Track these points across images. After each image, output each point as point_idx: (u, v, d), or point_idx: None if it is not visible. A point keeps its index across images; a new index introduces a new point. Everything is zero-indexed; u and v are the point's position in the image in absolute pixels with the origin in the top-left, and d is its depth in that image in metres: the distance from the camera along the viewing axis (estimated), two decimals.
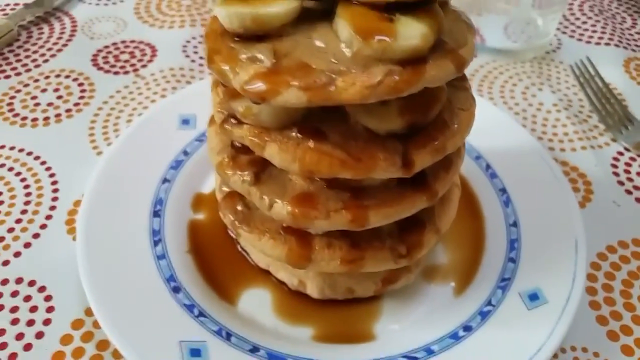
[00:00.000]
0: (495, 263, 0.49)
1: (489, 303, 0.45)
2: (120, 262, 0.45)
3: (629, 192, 0.59)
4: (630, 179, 0.61)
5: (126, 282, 0.44)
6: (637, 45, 0.81)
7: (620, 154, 0.63)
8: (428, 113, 0.36)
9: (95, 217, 0.47)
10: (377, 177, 0.36)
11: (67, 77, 0.69)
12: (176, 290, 0.44)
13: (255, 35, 0.34)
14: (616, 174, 0.61)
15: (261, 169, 0.39)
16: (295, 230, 0.40)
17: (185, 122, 0.58)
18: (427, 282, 0.48)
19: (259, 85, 0.32)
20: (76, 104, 0.65)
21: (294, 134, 0.36)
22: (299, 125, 0.36)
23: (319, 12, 0.35)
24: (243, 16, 0.33)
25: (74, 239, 0.51)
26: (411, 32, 0.32)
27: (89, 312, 0.45)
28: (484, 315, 0.45)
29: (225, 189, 0.45)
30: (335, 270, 0.41)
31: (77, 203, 0.54)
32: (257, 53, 0.33)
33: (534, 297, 0.45)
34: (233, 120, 0.38)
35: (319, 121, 0.36)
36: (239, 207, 0.43)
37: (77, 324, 0.45)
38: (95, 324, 0.44)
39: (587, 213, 0.56)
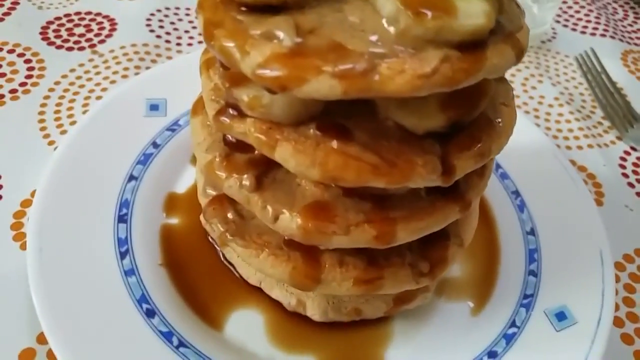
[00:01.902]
0: (514, 276, 0.44)
1: (513, 324, 0.40)
2: (80, 280, 0.37)
3: (639, 194, 0.55)
4: (639, 181, 0.56)
5: (88, 304, 0.36)
6: (631, 38, 0.77)
7: (627, 153, 0.59)
8: (474, 108, 0.30)
9: (49, 224, 0.39)
10: (414, 185, 0.29)
11: (10, 51, 0.59)
12: (150, 314, 0.37)
13: (268, 4, 0.26)
14: (625, 175, 0.57)
15: (263, 171, 0.32)
16: (300, 244, 0.33)
17: (154, 107, 0.50)
18: (440, 298, 0.42)
19: (279, 71, 0.25)
20: (22, 84, 0.56)
21: (312, 131, 0.29)
22: (318, 120, 0.29)
23: None
24: None
25: (21, 247, 0.42)
26: (472, 8, 0.25)
27: (41, 339, 0.37)
28: (508, 338, 0.39)
29: (211, 192, 0.38)
30: (348, 293, 0.34)
31: (25, 203, 0.45)
32: (275, 28, 0.26)
33: (561, 316, 0.40)
34: (232, 112, 0.30)
35: (342, 116, 0.29)
36: (230, 216, 0.35)
37: (27, 355, 0.37)
38: (50, 355, 0.36)
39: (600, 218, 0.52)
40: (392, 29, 0.25)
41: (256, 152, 0.32)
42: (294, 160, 0.28)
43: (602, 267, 0.43)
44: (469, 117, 0.30)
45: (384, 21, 0.26)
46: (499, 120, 0.32)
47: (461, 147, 0.30)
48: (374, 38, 0.25)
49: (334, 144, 0.28)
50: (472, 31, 0.25)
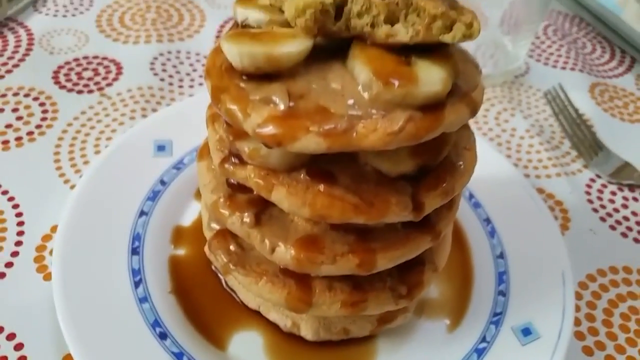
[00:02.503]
0: (485, 296, 0.49)
1: (484, 339, 0.45)
2: (101, 306, 0.42)
3: (603, 219, 0.61)
4: (603, 206, 0.62)
5: (109, 328, 0.41)
6: (598, 71, 0.83)
7: (593, 180, 0.65)
8: (438, 155, 0.36)
9: (71, 257, 0.44)
10: (389, 221, 0.35)
11: (26, 95, 0.64)
12: (162, 336, 0.42)
13: (265, 74, 0.32)
14: (590, 201, 0.62)
15: (261, 209, 0.37)
16: (294, 272, 0.38)
17: (161, 148, 0.55)
18: (420, 317, 0.47)
19: (274, 130, 0.30)
20: (38, 126, 0.61)
21: (302, 176, 0.34)
22: (307, 167, 0.34)
23: (328, 49, 0.34)
24: (255, 56, 0.31)
25: (44, 278, 0.47)
26: (432, 77, 0.31)
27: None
28: (479, 352, 0.44)
29: (215, 226, 0.43)
30: (336, 314, 0.39)
31: (45, 237, 0.50)
32: (271, 94, 0.31)
33: (526, 331, 0.45)
34: (234, 160, 0.36)
35: (327, 162, 0.34)
36: (232, 248, 0.41)
37: None
38: None
39: (566, 242, 0.56)
40: (366, 95, 0.31)
41: (255, 192, 0.37)
42: (288, 201, 0.34)
43: (564, 287, 0.48)
44: (435, 161, 0.36)
45: (359, 88, 0.31)
46: (461, 163, 0.37)
47: (429, 187, 0.35)
48: (351, 102, 0.31)
49: (321, 187, 0.34)
50: (431, 96, 0.31)
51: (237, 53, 0.31)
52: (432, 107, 0.31)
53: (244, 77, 0.32)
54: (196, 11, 0.82)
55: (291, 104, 0.31)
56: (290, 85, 0.32)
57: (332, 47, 0.34)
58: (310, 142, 0.30)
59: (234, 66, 0.32)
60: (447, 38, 0.30)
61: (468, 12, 0.31)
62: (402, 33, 0.31)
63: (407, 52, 0.32)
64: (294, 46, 0.31)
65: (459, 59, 0.36)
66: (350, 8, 0.31)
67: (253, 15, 0.35)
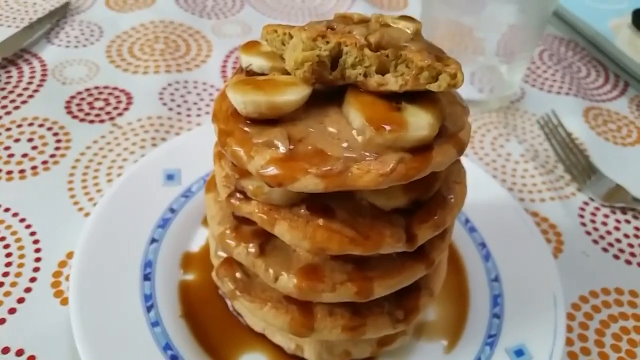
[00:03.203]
0: (480, 318, 0.51)
1: None
2: (115, 330, 0.45)
3: (595, 241, 0.63)
4: (596, 229, 0.64)
5: (123, 351, 0.43)
6: (592, 95, 0.86)
7: (586, 203, 0.67)
8: (429, 190, 0.38)
9: (87, 284, 0.47)
10: (384, 252, 0.37)
11: (40, 125, 0.67)
12: (174, 359, 0.44)
13: (267, 119, 0.35)
14: (583, 224, 0.65)
15: (265, 240, 0.40)
16: (297, 299, 0.41)
17: (170, 177, 0.58)
18: (419, 339, 0.50)
19: (276, 171, 0.33)
20: (52, 155, 0.64)
21: (302, 211, 0.37)
22: (307, 202, 0.37)
23: (326, 94, 0.36)
24: (258, 103, 0.34)
25: (62, 302, 0.50)
26: (420, 122, 0.33)
27: None
28: None
29: (222, 254, 0.46)
30: (337, 338, 0.41)
31: (61, 264, 0.53)
32: (273, 138, 0.34)
33: (519, 352, 0.48)
34: (240, 195, 0.39)
35: (326, 198, 0.37)
36: (238, 275, 0.43)
37: None
38: None
39: (560, 264, 0.59)
40: (360, 138, 0.34)
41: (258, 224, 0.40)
42: (289, 234, 0.37)
43: (555, 309, 0.50)
44: (426, 196, 0.38)
45: (354, 132, 0.34)
46: (452, 196, 0.40)
47: (421, 220, 0.38)
48: (346, 145, 0.34)
49: (320, 221, 0.36)
50: (420, 139, 0.33)
51: (241, 101, 0.34)
52: (421, 149, 0.34)
53: (248, 122, 0.35)
54: (203, 41, 0.85)
55: (291, 147, 0.34)
56: (290, 129, 0.34)
57: (329, 92, 0.36)
58: (309, 182, 0.33)
59: (239, 111, 0.35)
60: (433, 87, 0.33)
61: (453, 63, 0.33)
62: (392, 82, 0.34)
63: (397, 98, 0.35)
64: (294, 94, 0.34)
65: (447, 101, 0.38)
66: (345, 60, 0.34)
67: (256, 62, 0.38)
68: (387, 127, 0.33)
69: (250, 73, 0.39)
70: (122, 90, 0.74)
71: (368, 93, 0.35)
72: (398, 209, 0.38)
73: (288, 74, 0.36)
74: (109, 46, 0.82)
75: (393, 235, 0.37)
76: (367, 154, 0.33)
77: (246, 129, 0.35)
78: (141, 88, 0.75)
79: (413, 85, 0.33)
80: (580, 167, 0.71)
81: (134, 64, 0.79)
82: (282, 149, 0.34)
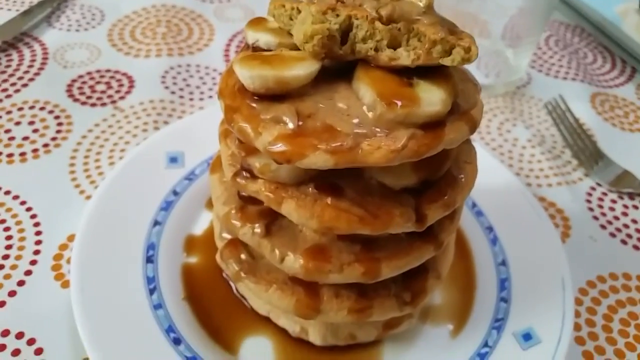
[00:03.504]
0: (487, 302, 0.50)
1: (486, 344, 0.47)
2: (117, 313, 0.44)
3: (603, 227, 0.62)
4: (603, 214, 0.64)
5: (125, 334, 0.43)
6: (599, 81, 0.85)
7: (593, 189, 0.67)
8: (440, 169, 0.37)
9: (89, 266, 0.46)
10: (393, 232, 0.36)
11: (42, 108, 0.67)
12: (177, 341, 0.43)
13: (275, 94, 0.34)
14: (591, 209, 0.64)
15: (271, 220, 0.39)
16: (303, 280, 0.40)
17: (173, 160, 0.57)
18: (425, 323, 0.49)
19: (284, 147, 0.32)
20: (53, 138, 0.63)
21: (310, 189, 0.36)
22: (315, 181, 0.36)
23: (335, 70, 0.36)
24: (266, 78, 0.33)
25: (62, 285, 0.49)
26: (432, 98, 0.33)
27: None
28: (482, 357, 0.46)
29: (226, 236, 0.45)
30: (343, 320, 0.41)
31: (62, 247, 0.52)
32: (281, 114, 0.33)
33: (527, 337, 0.47)
34: (246, 174, 0.38)
35: (334, 176, 0.36)
36: (243, 257, 0.42)
37: None
38: None
39: (567, 249, 0.58)
40: (370, 114, 0.33)
41: (265, 204, 0.39)
42: (297, 213, 0.36)
43: (564, 293, 0.49)
44: (436, 175, 0.37)
45: (364, 108, 0.33)
46: (462, 176, 0.39)
47: (431, 200, 0.37)
48: (357, 121, 0.33)
49: (329, 200, 0.36)
50: (432, 115, 0.33)
51: (248, 76, 0.33)
52: (433, 125, 0.33)
53: (255, 98, 0.34)
54: (205, 25, 0.84)
55: (300, 123, 0.33)
56: (299, 105, 0.34)
57: (338, 68, 0.35)
58: (319, 159, 0.32)
59: (246, 87, 0.34)
60: (446, 61, 0.32)
61: (467, 37, 0.32)
62: (404, 57, 0.33)
63: (409, 73, 0.34)
64: (303, 69, 0.33)
65: (459, 78, 0.37)
66: (355, 34, 0.33)
67: (263, 38, 0.37)
68: (399, 103, 0.32)
69: (256, 49, 0.38)
70: (124, 74, 0.73)
71: (379, 68, 0.34)
72: (407, 189, 0.37)
73: (296, 49, 0.35)
74: (111, 30, 0.81)
75: (402, 215, 0.36)
76: (378, 129, 0.32)
77: (253, 104, 0.34)
78: (143, 71, 0.74)
79: (426, 59, 0.32)
80: (587, 153, 0.70)
81: (136, 48, 0.78)
82: (290, 125, 0.33)
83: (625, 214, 0.64)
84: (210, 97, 0.72)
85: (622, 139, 0.75)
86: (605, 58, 0.90)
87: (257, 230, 0.39)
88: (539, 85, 0.82)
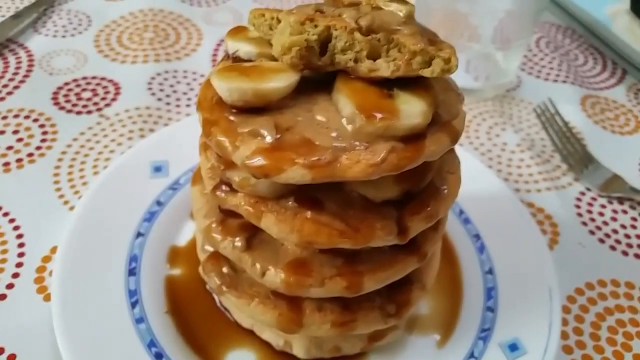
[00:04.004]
0: (474, 312, 0.50)
1: (472, 355, 0.46)
2: (98, 326, 0.43)
3: (592, 232, 0.62)
4: (592, 219, 0.63)
5: (106, 348, 0.42)
6: (589, 83, 0.84)
7: (583, 193, 0.66)
8: (422, 181, 0.37)
9: (71, 279, 0.45)
10: (375, 245, 0.36)
11: (26, 117, 0.66)
12: (158, 356, 0.43)
13: (253, 107, 0.33)
14: (580, 215, 0.64)
15: (252, 234, 0.39)
16: (285, 294, 0.40)
17: (157, 169, 0.56)
18: (411, 333, 0.49)
19: (262, 161, 0.32)
20: (38, 148, 0.62)
21: (290, 203, 0.35)
22: (295, 194, 0.35)
23: (315, 80, 0.35)
24: (244, 91, 0.32)
25: (44, 298, 0.48)
26: (412, 110, 0.32)
27: None
28: None
29: (208, 248, 0.44)
30: (326, 334, 0.40)
31: (45, 259, 0.51)
32: (259, 127, 0.32)
33: (513, 347, 0.46)
34: (225, 188, 0.37)
35: (315, 190, 0.35)
36: (225, 270, 0.42)
37: None
38: None
39: (556, 255, 0.58)
40: (350, 127, 0.32)
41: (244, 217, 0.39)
42: (276, 228, 0.35)
43: (551, 302, 0.49)
44: (419, 187, 0.37)
45: (344, 120, 0.33)
46: (445, 187, 0.39)
47: (413, 211, 0.37)
48: (335, 134, 0.32)
49: (309, 214, 0.35)
50: (412, 128, 0.32)
51: (226, 88, 0.32)
52: (414, 137, 0.32)
53: (234, 110, 0.34)
54: (193, 30, 0.83)
55: (278, 136, 0.32)
56: (277, 118, 0.33)
57: (317, 78, 0.35)
58: (296, 173, 0.31)
59: (224, 100, 0.33)
60: (426, 73, 0.32)
61: (447, 48, 0.32)
62: (384, 68, 0.32)
63: (389, 84, 0.33)
64: (281, 81, 0.33)
65: (441, 88, 0.37)
66: (335, 44, 0.33)
67: (243, 48, 0.37)
68: (378, 115, 0.31)
69: (237, 59, 0.37)
70: (110, 81, 0.73)
71: (358, 79, 0.33)
72: (389, 201, 0.36)
73: (276, 60, 0.35)
74: (98, 35, 0.80)
75: (384, 228, 0.35)
76: (357, 143, 0.32)
77: (231, 118, 0.34)
78: (129, 78, 0.73)
79: (405, 70, 0.32)
80: (577, 157, 0.69)
81: (123, 54, 0.77)
82: (268, 139, 0.32)
83: (614, 219, 0.63)
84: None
85: (613, 142, 0.74)
86: (596, 60, 0.90)
87: (238, 244, 0.38)
88: (529, 88, 0.82)
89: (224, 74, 0.33)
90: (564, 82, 0.84)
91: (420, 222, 0.37)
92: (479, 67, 0.77)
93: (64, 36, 0.79)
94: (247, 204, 0.36)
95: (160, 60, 0.77)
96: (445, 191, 0.39)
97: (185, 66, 0.77)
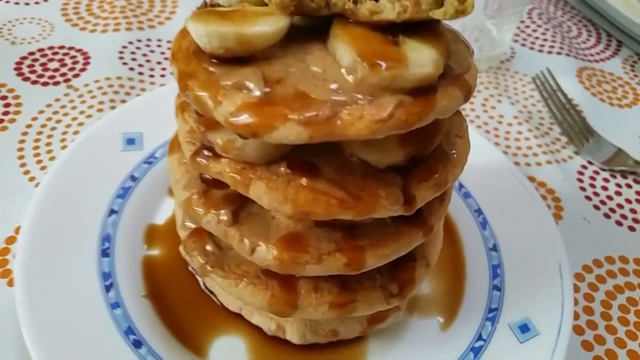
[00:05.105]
0: (479, 291, 0.46)
1: (480, 337, 0.43)
2: (69, 314, 0.39)
3: (597, 207, 0.59)
4: (596, 194, 0.60)
5: (78, 337, 0.38)
6: (585, 55, 0.81)
7: (584, 167, 0.63)
8: (430, 143, 0.33)
9: (35, 260, 0.41)
10: (379, 216, 0.32)
11: None
12: (137, 344, 0.38)
13: (237, 57, 0.29)
14: (583, 189, 0.60)
15: (239, 206, 0.34)
16: (277, 273, 0.35)
17: (130, 142, 0.51)
18: (412, 315, 0.45)
19: (249, 118, 0.27)
20: (0, 121, 0.57)
21: (282, 169, 0.31)
22: (288, 159, 0.31)
23: (307, 29, 0.31)
24: (225, 36, 0.28)
25: (8, 283, 0.44)
26: (422, 58, 0.28)
27: None
28: (476, 351, 0.42)
29: (190, 224, 0.40)
30: (324, 317, 0.36)
31: (9, 240, 0.47)
32: (244, 79, 0.28)
33: (524, 328, 0.43)
34: (207, 153, 0.33)
35: (310, 154, 0.31)
36: (209, 248, 0.38)
37: None
38: None
39: (560, 231, 0.54)
40: (350, 78, 0.28)
41: (231, 188, 0.34)
42: (267, 197, 0.31)
43: (561, 279, 0.46)
44: (426, 151, 0.33)
45: (343, 71, 0.28)
46: (454, 151, 0.35)
47: (420, 178, 0.33)
48: (334, 86, 0.28)
49: (304, 181, 0.31)
50: (422, 78, 0.28)
51: (204, 34, 0.28)
52: (423, 91, 0.28)
53: (214, 61, 0.29)
54: None
55: (267, 89, 0.28)
56: (266, 69, 0.28)
57: (311, 26, 0.31)
58: (290, 131, 0.27)
59: (202, 48, 0.29)
60: (437, 14, 0.27)
61: None
62: (388, 9, 0.28)
63: (393, 30, 0.29)
64: (269, 25, 0.28)
65: (450, 38, 0.33)
66: None
67: None
68: (383, 64, 0.27)
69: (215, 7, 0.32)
70: (78, 50, 0.67)
71: (359, 24, 0.29)
72: (393, 166, 0.32)
73: (262, 5, 0.30)
74: (65, 3, 0.74)
75: (388, 197, 0.31)
76: (360, 96, 0.27)
77: (211, 69, 0.29)
78: (99, 47, 0.68)
79: (413, 12, 0.27)
80: (577, 129, 0.66)
81: (93, 22, 0.72)
82: (256, 92, 0.28)
83: (618, 194, 0.60)
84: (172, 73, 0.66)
85: (612, 115, 0.72)
86: (590, 32, 0.87)
87: (223, 217, 0.34)
88: (523, 59, 0.78)
89: (201, 18, 0.28)
90: (559, 53, 0.80)
91: (428, 190, 0.33)
92: (472, 37, 0.73)
93: (27, 3, 0.73)
94: (233, 171, 0.31)
95: (132, 29, 0.71)
96: (455, 156, 0.35)
97: (160, 35, 0.72)
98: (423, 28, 0.30)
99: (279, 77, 0.28)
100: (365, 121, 0.27)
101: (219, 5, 0.32)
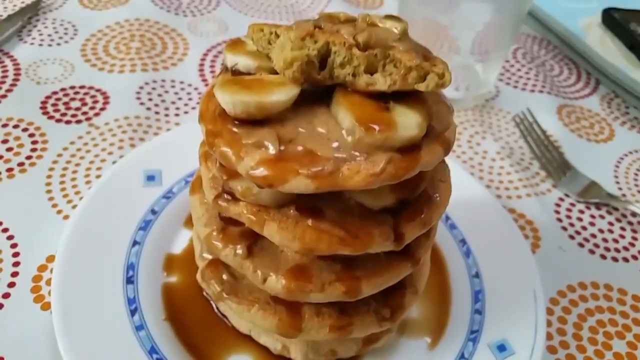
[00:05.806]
0: (463, 315, 0.52)
1: (462, 356, 0.48)
2: (99, 335, 0.44)
3: (572, 237, 0.64)
4: (572, 224, 0.66)
5: (108, 356, 0.43)
6: (565, 93, 0.88)
7: (562, 199, 0.69)
8: (416, 189, 0.39)
9: (69, 288, 0.46)
10: (373, 251, 0.37)
11: (15, 126, 0.66)
12: None
13: (256, 119, 0.35)
14: (559, 220, 0.66)
15: (252, 241, 0.40)
16: (285, 300, 0.41)
17: (151, 178, 0.57)
18: (402, 336, 0.50)
19: (266, 172, 0.33)
20: (28, 157, 0.62)
21: (292, 211, 0.37)
22: (296, 203, 0.37)
23: (314, 93, 0.37)
24: (247, 104, 0.34)
25: (42, 307, 0.49)
26: (408, 122, 0.34)
27: None
28: None
29: (207, 255, 0.45)
30: (325, 338, 0.42)
31: (41, 268, 0.52)
32: (262, 139, 0.34)
33: (502, 348, 0.48)
34: (227, 197, 0.38)
35: (315, 198, 0.37)
36: (225, 277, 0.43)
37: None
38: None
39: (537, 259, 0.60)
40: (350, 139, 0.34)
41: (246, 225, 0.40)
42: (279, 236, 0.36)
43: (535, 304, 0.51)
44: (413, 195, 0.39)
45: (343, 132, 0.34)
46: (437, 195, 0.40)
47: (408, 218, 0.38)
48: (336, 145, 0.34)
49: (310, 221, 0.36)
50: (409, 139, 0.34)
51: (230, 101, 0.34)
52: (410, 149, 0.34)
53: (236, 122, 0.35)
54: (179, 39, 0.84)
55: (281, 147, 0.34)
56: (279, 129, 0.34)
57: (317, 92, 0.36)
58: (300, 183, 0.33)
59: (227, 112, 0.35)
60: (421, 87, 0.33)
61: (440, 63, 0.34)
62: (381, 82, 0.34)
63: (385, 98, 0.35)
64: (283, 94, 0.34)
65: (433, 100, 0.39)
66: (334, 59, 0.34)
67: (242, 62, 0.38)
68: (377, 127, 0.33)
69: (235, 72, 0.38)
70: (98, 90, 0.73)
71: (356, 93, 0.35)
72: (386, 208, 0.38)
73: (274, 73, 0.36)
74: (84, 45, 0.80)
75: (381, 234, 0.37)
76: (357, 154, 0.33)
77: (235, 129, 0.35)
78: (118, 87, 0.74)
79: (401, 85, 0.33)
80: (555, 164, 0.72)
81: (110, 63, 0.78)
82: (272, 150, 0.34)
83: (592, 224, 0.66)
84: (186, 112, 0.72)
85: (589, 150, 0.77)
86: (570, 70, 0.93)
87: (239, 251, 0.40)
88: (507, 98, 0.84)
89: (227, 87, 0.34)
90: (541, 92, 0.87)
91: (415, 228, 0.39)
92: (459, 77, 0.79)
93: (50, 45, 0.79)
94: (250, 213, 0.37)
95: (147, 70, 0.77)
96: (438, 199, 0.40)
97: (173, 75, 0.77)
98: (410, 95, 0.35)
99: (291, 137, 0.34)
100: (362, 175, 0.33)
101: (238, 71, 0.38)
